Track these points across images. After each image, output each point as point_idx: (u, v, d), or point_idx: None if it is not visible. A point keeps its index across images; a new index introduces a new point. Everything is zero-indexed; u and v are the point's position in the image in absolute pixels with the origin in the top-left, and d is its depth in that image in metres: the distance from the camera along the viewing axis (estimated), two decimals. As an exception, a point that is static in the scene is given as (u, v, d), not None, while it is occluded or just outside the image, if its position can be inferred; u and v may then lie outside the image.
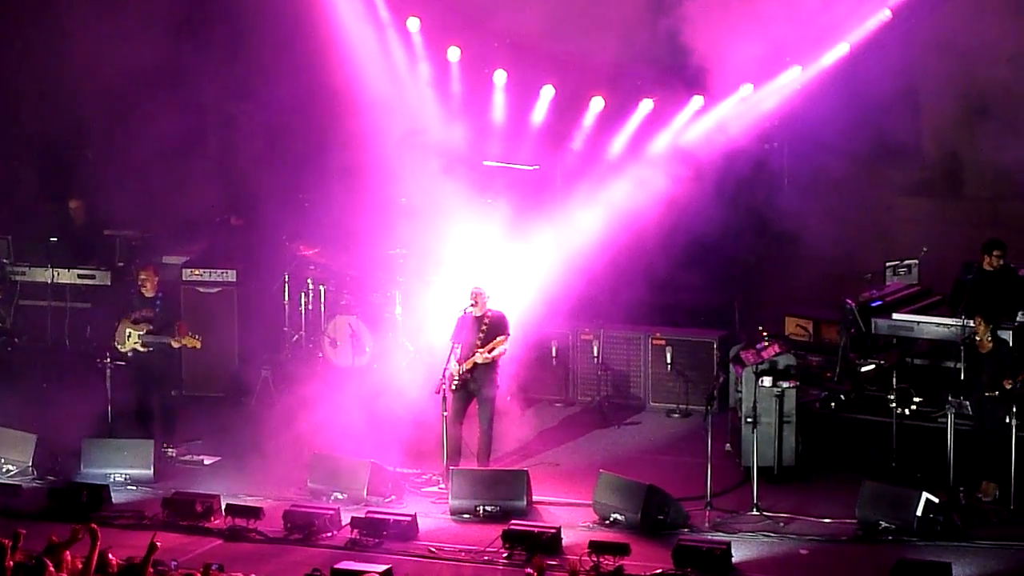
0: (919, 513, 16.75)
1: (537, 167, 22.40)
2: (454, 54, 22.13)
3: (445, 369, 18.44)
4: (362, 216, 21.53)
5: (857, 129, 21.68)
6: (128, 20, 22.02)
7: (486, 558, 16.46)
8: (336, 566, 15.33)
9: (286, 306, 22.11)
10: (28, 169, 23.37)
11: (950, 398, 17.95)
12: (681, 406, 20.88)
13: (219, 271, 21.83)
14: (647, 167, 21.11)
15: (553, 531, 16.68)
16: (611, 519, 17.33)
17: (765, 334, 19.03)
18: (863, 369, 19.29)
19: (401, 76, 22.12)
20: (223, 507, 17.40)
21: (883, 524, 16.90)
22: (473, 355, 18.50)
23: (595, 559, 16.04)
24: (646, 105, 21.72)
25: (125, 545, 15.14)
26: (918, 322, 19.29)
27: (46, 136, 23.36)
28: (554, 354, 21.35)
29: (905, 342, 19.46)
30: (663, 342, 21.05)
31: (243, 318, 21.78)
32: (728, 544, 16.29)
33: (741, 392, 18.81)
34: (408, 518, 17.07)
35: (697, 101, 21.38)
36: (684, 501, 17.52)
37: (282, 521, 17.11)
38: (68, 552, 13.26)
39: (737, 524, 17.29)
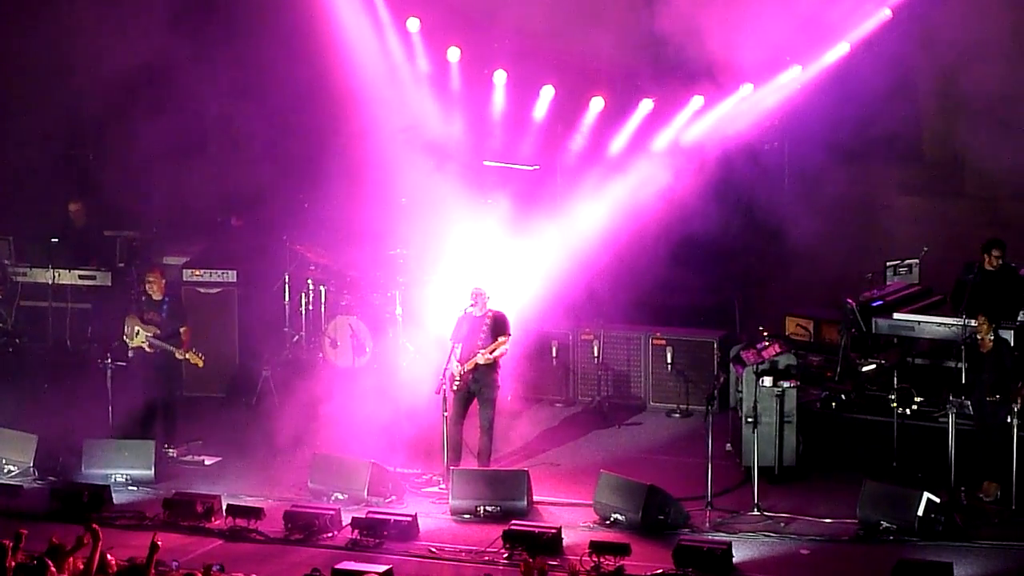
0: (920, 513, 16.75)
1: (537, 167, 22.40)
2: (454, 54, 22.10)
3: (445, 369, 18.43)
4: (362, 216, 21.53)
5: (857, 129, 21.70)
6: (128, 20, 22.01)
7: (487, 558, 16.45)
8: (337, 566, 15.32)
9: (286, 306, 22.10)
10: (29, 170, 23.33)
11: (951, 398, 17.95)
12: (681, 406, 20.86)
13: (219, 271, 21.82)
14: (647, 167, 21.11)
15: (554, 531, 16.69)
16: (612, 519, 17.33)
17: (765, 334, 19.01)
18: (864, 369, 19.27)
19: (401, 76, 22.11)
20: (224, 507, 17.40)
21: (884, 524, 16.89)
22: (475, 355, 18.51)
23: (596, 559, 16.04)
24: (646, 105, 21.70)
25: (126, 545, 15.17)
26: (919, 322, 19.28)
27: (46, 136, 23.32)
28: (554, 354, 21.34)
29: (906, 342, 19.46)
30: (663, 342, 21.04)
31: (243, 318, 21.77)
32: (729, 544, 16.29)
33: (741, 392, 18.79)
34: (409, 518, 17.06)
35: (697, 101, 21.36)
36: (685, 501, 17.52)
37: (283, 521, 17.11)
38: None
39: (738, 524, 17.29)
